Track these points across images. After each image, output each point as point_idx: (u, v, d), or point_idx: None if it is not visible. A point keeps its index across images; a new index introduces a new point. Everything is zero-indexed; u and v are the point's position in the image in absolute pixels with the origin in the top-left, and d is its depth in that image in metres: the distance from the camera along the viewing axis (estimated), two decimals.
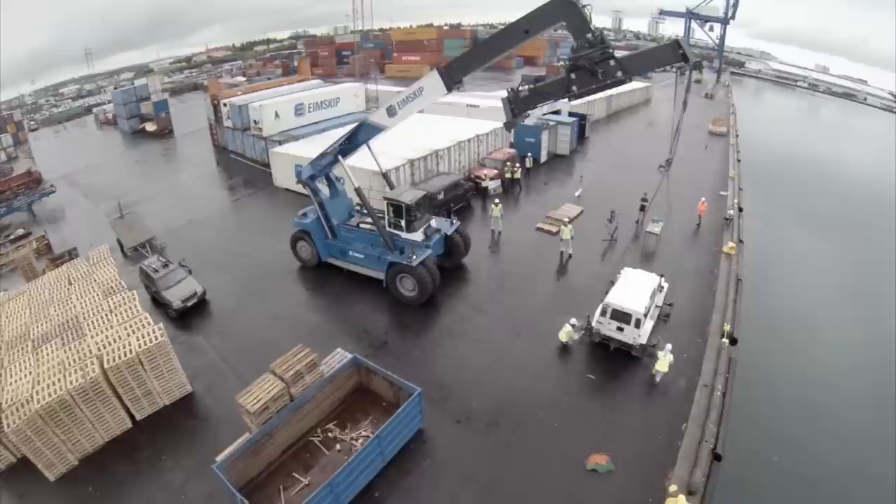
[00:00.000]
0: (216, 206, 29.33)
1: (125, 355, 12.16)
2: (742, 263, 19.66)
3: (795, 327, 20.84)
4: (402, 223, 17.47)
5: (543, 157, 31.58)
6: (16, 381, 11.90)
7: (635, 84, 56.92)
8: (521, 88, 13.09)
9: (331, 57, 75.60)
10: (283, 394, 11.21)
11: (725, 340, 14.65)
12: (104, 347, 12.56)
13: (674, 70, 12.86)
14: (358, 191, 17.23)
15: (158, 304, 18.06)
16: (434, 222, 18.68)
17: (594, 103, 42.67)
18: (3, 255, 23.36)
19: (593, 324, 14.55)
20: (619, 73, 11.77)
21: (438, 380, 13.91)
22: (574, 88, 12.24)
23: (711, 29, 66.83)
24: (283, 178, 28.70)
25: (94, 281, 16.63)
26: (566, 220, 21.03)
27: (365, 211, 18.07)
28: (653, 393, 13.22)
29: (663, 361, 13.16)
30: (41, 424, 10.84)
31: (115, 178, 34.70)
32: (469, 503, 10.46)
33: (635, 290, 14.65)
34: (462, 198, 25.03)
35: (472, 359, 14.78)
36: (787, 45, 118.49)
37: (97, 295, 15.63)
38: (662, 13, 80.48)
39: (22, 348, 13.39)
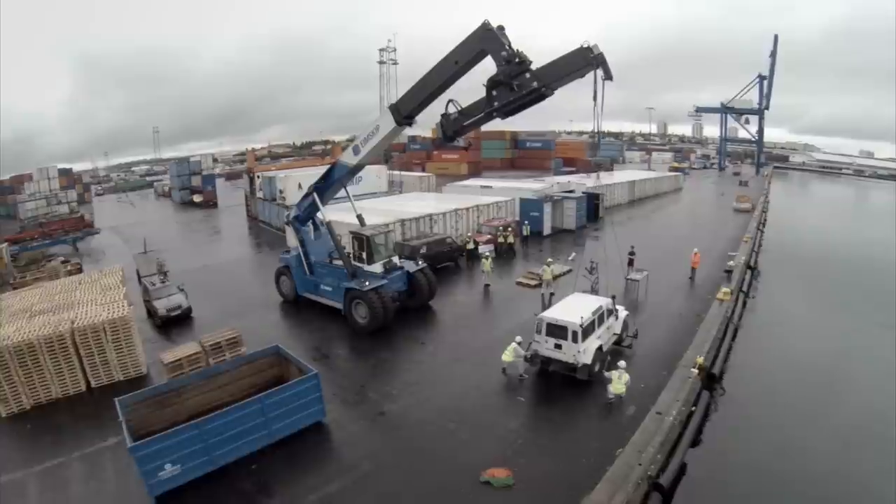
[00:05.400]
0: (230, 258, 34.41)
1: (93, 321, 15.39)
2: (749, 316, 20.62)
3: (800, 380, 19.66)
4: (364, 255, 20.50)
5: (547, 230, 34.50)
6: (3, 331, 15.30)
7: (664, 173, 60.59)
8: (450, 111, 14.84)
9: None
10: (200, 359, 13.55)
11: (695, 370, 14.90)
12: (81, 317, 15.91)
13: (602, 78, 14.43)
14: (328, 225, 20.81)
15: (150, 314, 21.63)
16: (397, 260, 21.57)
17: (614, 188, 46.46)
18: (40, 272, 28.68)
19: (532, 345, 15.08)
20: (535, 83, 12.95)
21: (360, 388, 15.40)
22: (496, 104, 13.66)
23: (747, 121, 71.31)
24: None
25: (100, 283, 20.71)
26: (549, 260, 23.00)
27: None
28: (592, 418, 13.38)
29: (618, 383, 13.05)
30: (7, 359, 13.90)
31: (154, 232, 41.63)
32: (336, 489, 10.89)
33: (575, 306, 15.26)
34: (448, 256, 27.85)
35: (402, 375, 16.29)
36: (831, 136, 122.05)
37: (97, 290, 19.53)
38: (699, 110, 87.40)
39: (21, 316, 17.02)
